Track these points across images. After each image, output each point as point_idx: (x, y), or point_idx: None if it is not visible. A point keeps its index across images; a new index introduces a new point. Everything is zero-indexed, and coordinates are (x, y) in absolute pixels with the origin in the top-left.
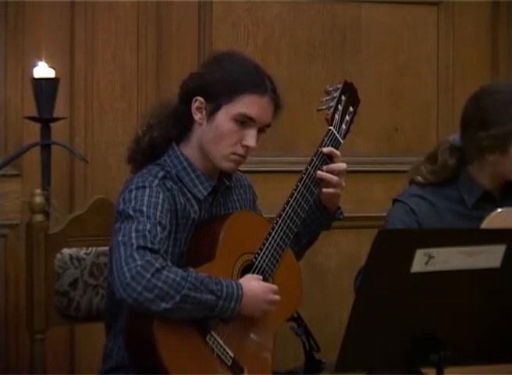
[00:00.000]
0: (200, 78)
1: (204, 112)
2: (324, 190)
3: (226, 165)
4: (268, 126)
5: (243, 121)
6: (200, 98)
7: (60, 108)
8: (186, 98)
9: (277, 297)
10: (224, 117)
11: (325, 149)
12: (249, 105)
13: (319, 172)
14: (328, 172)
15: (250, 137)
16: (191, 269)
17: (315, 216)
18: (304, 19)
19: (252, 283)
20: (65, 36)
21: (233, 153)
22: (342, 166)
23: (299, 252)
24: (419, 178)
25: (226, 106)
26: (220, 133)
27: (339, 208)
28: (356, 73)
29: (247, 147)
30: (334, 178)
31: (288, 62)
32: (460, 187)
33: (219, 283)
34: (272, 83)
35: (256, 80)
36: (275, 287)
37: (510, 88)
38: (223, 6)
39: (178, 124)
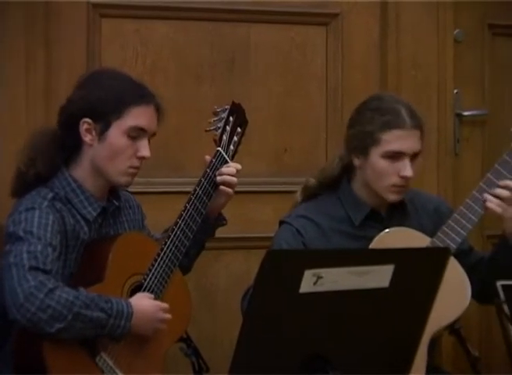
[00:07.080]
0: (82, 100)
1: (93, 132)
2: (222, 188)
3: (124, 179)
4: (155, 134)
5: (136, 134)
6: (87, 120)
7: None
8: (69, 122)
9: (168, 315)
10: (116, 133)
11: (219, 178)
12: (138, 116)
13: (219, 177)
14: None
15: (144, 148)
16: (82, 289)
17: (200, 226)
18: (192, 39)
19: (143, 302)
20: None
21: (130, 166)
22: (233, 170)
23: (188, 264)
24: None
25: (117, 122)
26: (115, 149)
27: (220, 214)
28: (245, 93)
29: (143, 158)
30: (233, 179)
31: (176, 82)
32: (346, 206)
33: (109, 301)
34: (151, 90)
35: (139, 91)
36: (165, 305)
37: (388, 97)
38: (111, 26)
39: (62, 150)
